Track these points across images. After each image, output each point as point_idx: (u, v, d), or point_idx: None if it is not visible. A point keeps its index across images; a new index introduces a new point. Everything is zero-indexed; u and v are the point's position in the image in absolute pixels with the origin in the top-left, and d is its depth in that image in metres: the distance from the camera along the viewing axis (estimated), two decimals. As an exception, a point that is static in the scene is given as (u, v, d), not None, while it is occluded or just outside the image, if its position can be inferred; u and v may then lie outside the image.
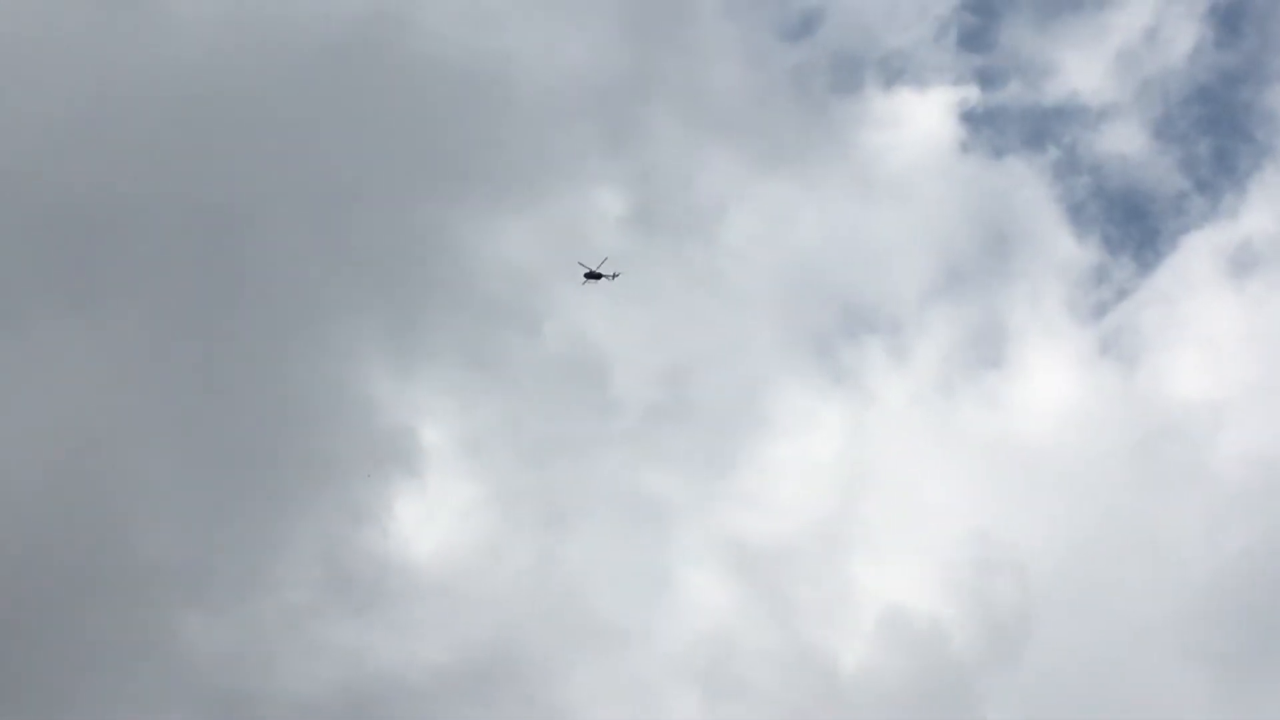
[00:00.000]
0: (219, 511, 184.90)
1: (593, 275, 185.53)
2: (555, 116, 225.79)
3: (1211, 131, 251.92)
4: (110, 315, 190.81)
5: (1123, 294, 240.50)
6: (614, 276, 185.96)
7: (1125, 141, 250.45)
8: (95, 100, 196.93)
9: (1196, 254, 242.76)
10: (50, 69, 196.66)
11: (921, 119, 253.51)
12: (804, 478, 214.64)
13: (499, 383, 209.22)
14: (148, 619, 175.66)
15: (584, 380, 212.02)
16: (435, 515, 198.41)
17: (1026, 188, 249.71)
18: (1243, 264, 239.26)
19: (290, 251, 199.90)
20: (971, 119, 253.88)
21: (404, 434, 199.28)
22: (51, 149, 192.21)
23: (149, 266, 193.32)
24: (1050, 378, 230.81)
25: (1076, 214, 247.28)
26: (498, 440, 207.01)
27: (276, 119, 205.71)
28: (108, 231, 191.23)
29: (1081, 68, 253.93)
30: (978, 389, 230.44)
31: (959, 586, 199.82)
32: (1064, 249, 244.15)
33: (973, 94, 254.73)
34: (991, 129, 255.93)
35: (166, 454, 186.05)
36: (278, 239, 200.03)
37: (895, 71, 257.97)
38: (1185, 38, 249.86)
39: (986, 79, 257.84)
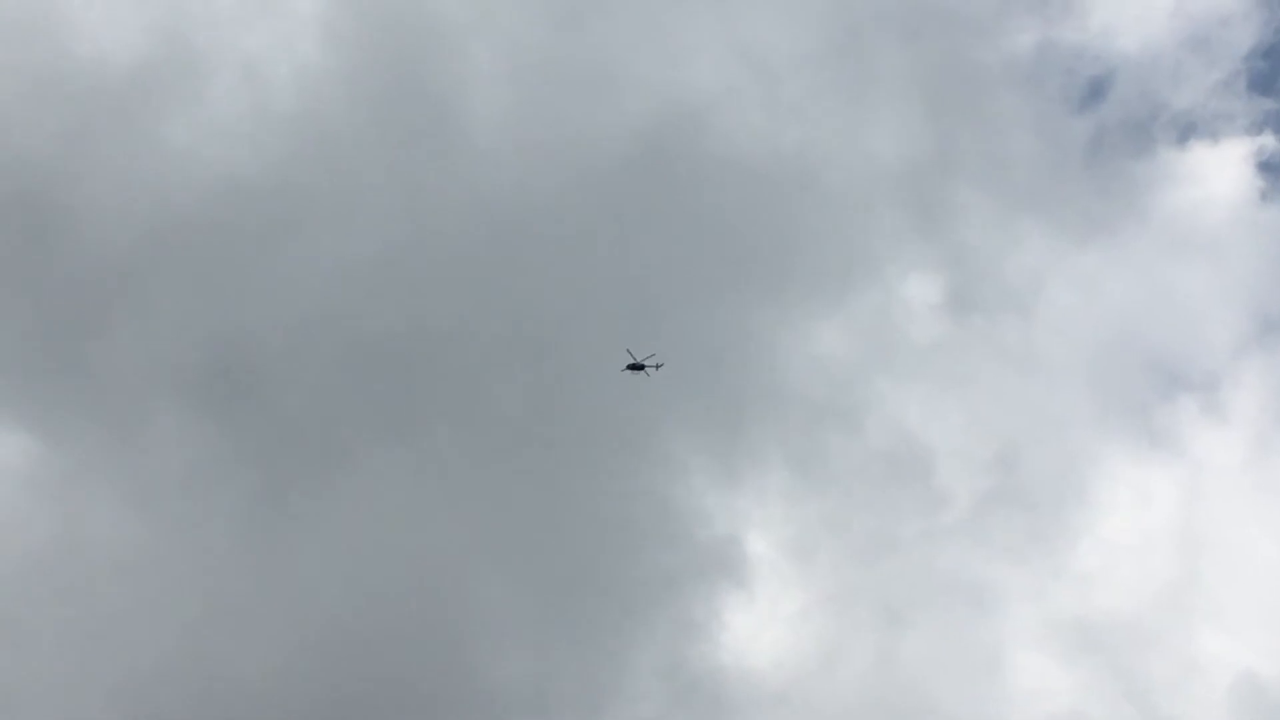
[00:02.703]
0: (557, 631, 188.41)
1: (635, 366, 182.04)
2: (860, 205, 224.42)
3: None
4: (434, 444, 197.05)
5: None
6: (658, 368, 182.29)
7: None
8: (403, 236, 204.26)
9: None
10: (358, 210, 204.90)
11: (1218, 172, 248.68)
12: (1139, 549, 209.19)
13: (823, 484, 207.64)
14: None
15: (909, 474, 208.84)
16: (768, 623, 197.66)
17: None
18: None
19: (603, 366, 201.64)
20: (1269, 167, 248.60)
21: (730, 544, 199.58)
22: (365, 286, 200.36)
23: (468, 393, 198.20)
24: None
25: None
26: (826, 542, 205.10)
27: (580, 235, 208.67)
28: (427, 362, 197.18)
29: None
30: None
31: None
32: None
33: (1268, 142, 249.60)
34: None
35: (502, 577, 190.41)
36: (592, 354, 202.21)
37: (1187, 127, 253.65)
38: None
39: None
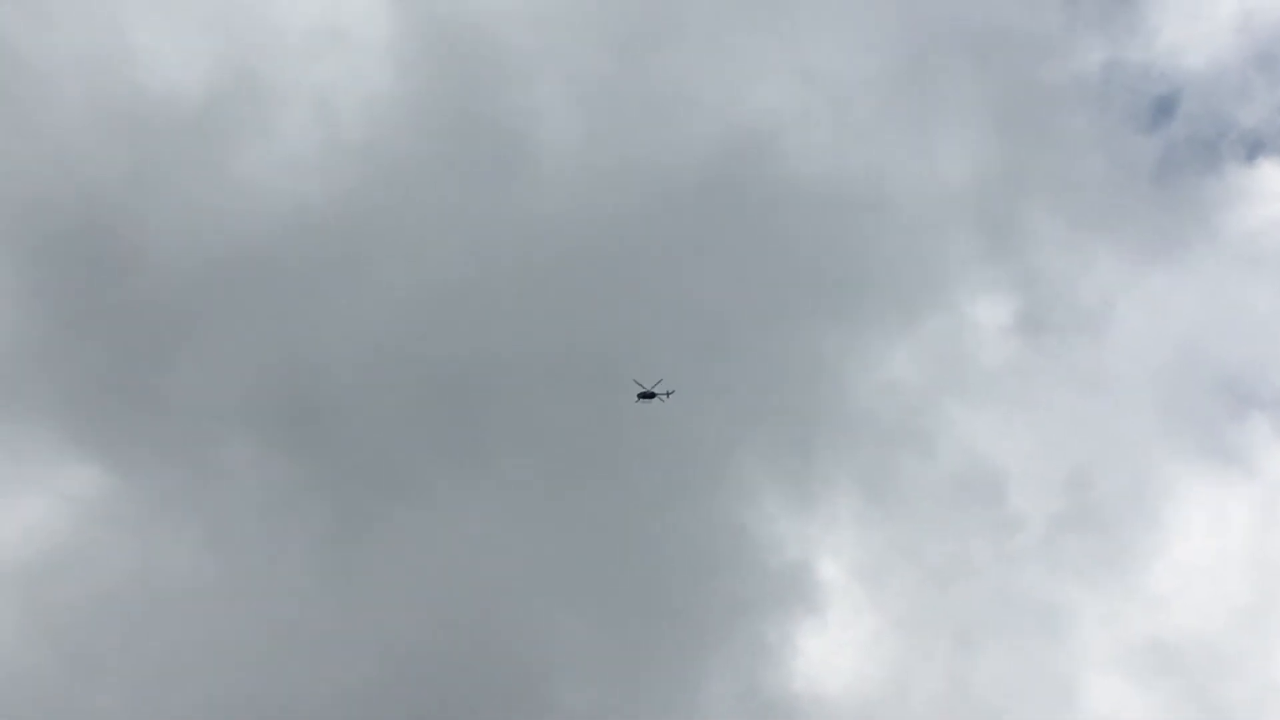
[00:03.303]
0: (630, 658, 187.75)
1: (646, 395, 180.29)
2: (930, 227, 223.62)
3: None
4: (506, 473, 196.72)
5: None
6: (668, 395, 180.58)
7: None
8: (472, 265, 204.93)
9: None
10: (427, 240, 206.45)
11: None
12: (1213, 569, 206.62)
13: (895, 508, 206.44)
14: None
15: (980, 497, 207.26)
16: (840, 648, 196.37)
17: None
18: None
19: (676, 391, 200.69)
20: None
21: (802, 569, 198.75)
22: (435, 316, 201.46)
23: (538, 421, 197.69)
24: None
25: None
26: (898, 567, 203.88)
27: (649, 262, 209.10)
28: (497, 391, 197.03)
29: None
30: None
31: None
32: None
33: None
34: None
35: (575, 605, 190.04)
36: (662, 380, 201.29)
37: (1255, 144, 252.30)
38: None
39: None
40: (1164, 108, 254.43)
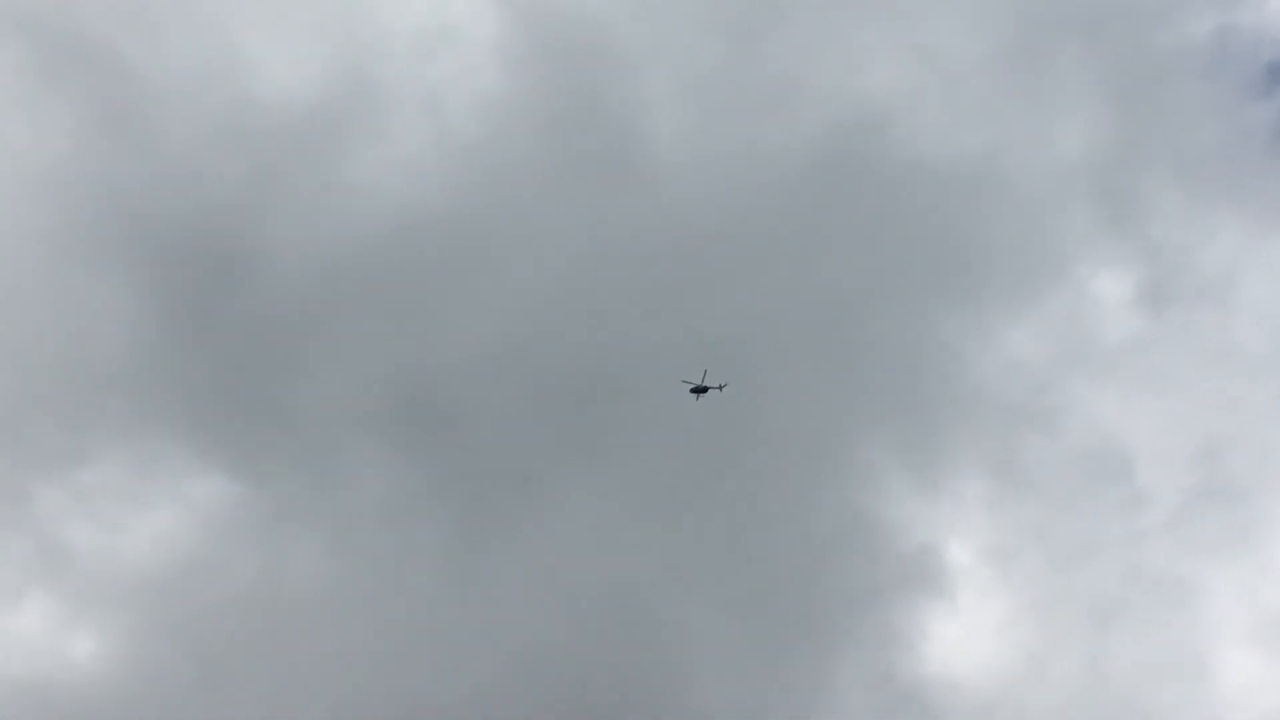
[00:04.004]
0: (760, 650, 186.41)
1: (699, 390, 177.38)
2: (1048, 203, 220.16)
3: None
4: (629, 470, 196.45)
5: None
6: (721, 388, 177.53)
7: None
8: (589, 260, 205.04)
9: None
10: (542, 237, 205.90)
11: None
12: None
13: (1022, 488, 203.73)
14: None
15: (1109, 475, 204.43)
16: (973, 631, 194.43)
17: None
18: None
19: (796, 380, 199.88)
20: None
21: (930, 553, 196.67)
22: (552, 312, 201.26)
23: (659, 414, 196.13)
24: None
25: None
26: (1027, 548, 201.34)
27: (766, 250, 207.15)
28: (616, 385, 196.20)
29: None
30: None
31: None
32: None
33: None
34: None
35: (702, 599, 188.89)
36: (782, 370, 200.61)
37: None
38: None
39: None
40: (1275, 74, 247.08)
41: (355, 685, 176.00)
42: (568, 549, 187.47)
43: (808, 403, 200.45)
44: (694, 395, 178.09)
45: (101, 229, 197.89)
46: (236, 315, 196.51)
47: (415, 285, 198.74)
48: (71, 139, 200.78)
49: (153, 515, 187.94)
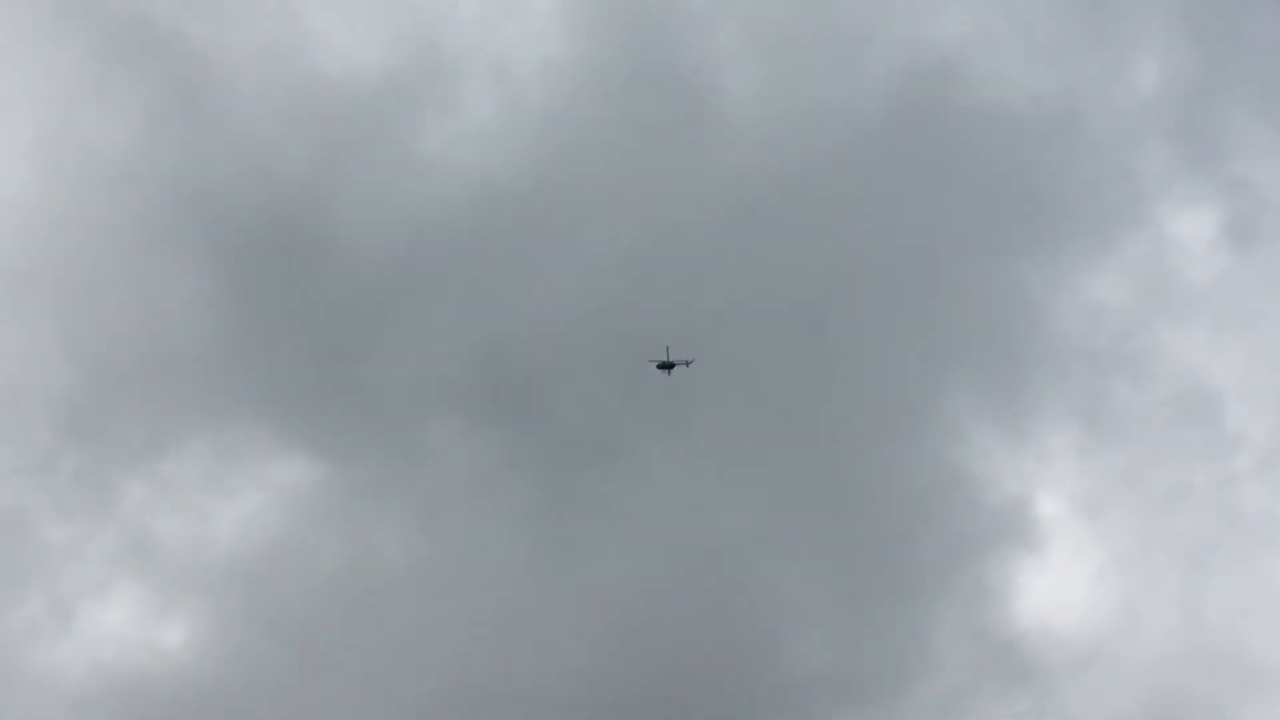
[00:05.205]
0: (854, 610, 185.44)
1: (665, 366, 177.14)
2: (1127, 143, 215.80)
3: None
4: (712, 433, 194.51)
5: None
6: (688, 364, 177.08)
7: None
8: (664, 223, 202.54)
9: None
10: (616, 202, 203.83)
11: None
12: None
13: (1111, 436, 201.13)
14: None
15: (1199, 418, 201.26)
16: (1067, 582, 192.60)
17: None
18: None
19: (877, 336, 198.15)
20: None
21: (1021, 505, 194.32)
22: (628, 278, 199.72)
23: (741, 376, 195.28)
24: None
25: None
26: (1119, 496, 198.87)
27: (842, 203, 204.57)
28: (696, 349, 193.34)
29: None
30: None
31: None
32: None
33: None
34: None
35: (792, 560, 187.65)
36: (863, 323, 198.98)
37: None
38: None
39: None
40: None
41: (449, 663, 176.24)
42: (656, 515, 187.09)
43: (890, 358, 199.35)
44: (662, 371, 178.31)
45: (175, 215, 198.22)
46: (313, 295, 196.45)
47: (490, 256, 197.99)
48: (142, 126, 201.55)
49: (237, 501, 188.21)
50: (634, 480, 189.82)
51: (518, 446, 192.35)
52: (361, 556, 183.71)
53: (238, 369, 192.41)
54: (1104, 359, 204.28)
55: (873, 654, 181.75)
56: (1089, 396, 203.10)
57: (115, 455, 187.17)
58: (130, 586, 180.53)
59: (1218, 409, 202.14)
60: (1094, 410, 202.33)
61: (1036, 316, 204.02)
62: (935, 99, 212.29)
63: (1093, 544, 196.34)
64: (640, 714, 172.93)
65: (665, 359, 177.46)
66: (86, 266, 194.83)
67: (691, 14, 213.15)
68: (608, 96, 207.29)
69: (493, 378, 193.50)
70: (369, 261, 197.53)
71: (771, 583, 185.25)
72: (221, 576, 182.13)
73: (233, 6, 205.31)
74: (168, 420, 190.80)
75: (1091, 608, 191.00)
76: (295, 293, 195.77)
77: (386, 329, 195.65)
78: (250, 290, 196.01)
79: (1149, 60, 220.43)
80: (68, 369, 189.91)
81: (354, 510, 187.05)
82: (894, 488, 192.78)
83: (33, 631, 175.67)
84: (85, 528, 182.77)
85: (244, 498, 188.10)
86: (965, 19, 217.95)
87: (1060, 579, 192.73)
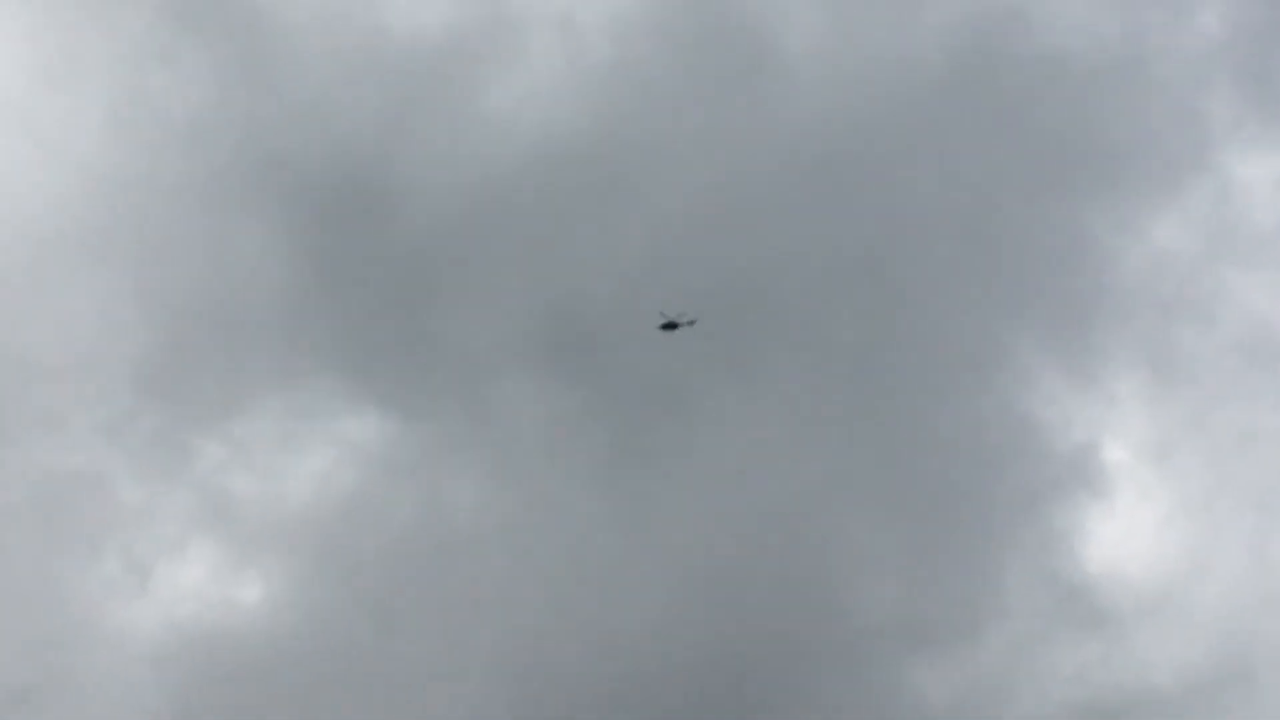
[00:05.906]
0: (923, 558, 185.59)
1: (669, 325, 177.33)
2: (1190, 86, 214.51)
3: None
4: (781, 382, 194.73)
5: None
6: (691, 323, 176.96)
7: None
8: (730, 177, 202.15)
9: None
10: (682, 157, 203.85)
11: None
12: None
13: (1178, 382, 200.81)
14: (873, 678, 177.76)
15: (1266, 362, 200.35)
16: (1136, 529, 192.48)
17: None
18: None
19: (944, 284, 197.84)
20: None
21: (1088, 451, 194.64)
22: (694, 232, 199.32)
23: (808, 326, 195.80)
24: None
25: None
26: (1187, 442, 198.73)
27: (907, 154, 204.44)
28: (762, 299, 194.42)
29: None
30: None
31: None
32: None
33: None
34: None
35: (861, 509, 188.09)
36: (926, 274, 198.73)
37: None
38: None
39: None
40: None
41: (522, 616, 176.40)
42: (725, 467, 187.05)
43: (957, 306, 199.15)
44: (666, 330, 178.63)
45: (243, 176, 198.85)
46: (380, 252, 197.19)
47: (556, 210, 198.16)
48: (212, 88, 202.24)
49: (310, 459, 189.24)
50: (703, 432, 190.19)
51: (589, 399, 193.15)
52: (435, 512, 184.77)
53: (309, 328, 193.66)
54: (1170, 305, 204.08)
55: (942, 601, 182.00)
56: (1155, 343, 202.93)
57: (190, 415, 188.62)
58: (206, 545, 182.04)
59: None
60: (1161, 356, 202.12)
61: (1102, 263, 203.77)
62: (998, 47, 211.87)
63: (1160, 489, 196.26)
64: (713, 662, 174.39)
65: (670, 320, 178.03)
66: (159, 229, 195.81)
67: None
68: (672, 49, 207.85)
69: (562, 330, 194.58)
70: (437, 218, 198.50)
71: (841, 531, 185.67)
72: (297, 534, 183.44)
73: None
74: (241, 380, 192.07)
75: (1160, 553, 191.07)
76: (365, 251, 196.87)
77: (455, 285, 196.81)
78: (320, 249, 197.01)
79: (1214, 3, 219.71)
80: (143, 331, 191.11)
81: (426, 466, 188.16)
82: (961, 435, 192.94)
83: (110, 591, 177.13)
84: (162, 487, 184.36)
85: (317, 455, 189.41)
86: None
87: (1128, 525, 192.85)
